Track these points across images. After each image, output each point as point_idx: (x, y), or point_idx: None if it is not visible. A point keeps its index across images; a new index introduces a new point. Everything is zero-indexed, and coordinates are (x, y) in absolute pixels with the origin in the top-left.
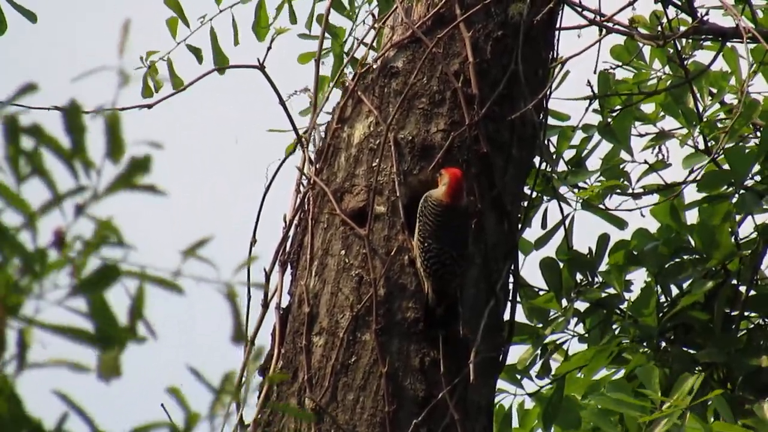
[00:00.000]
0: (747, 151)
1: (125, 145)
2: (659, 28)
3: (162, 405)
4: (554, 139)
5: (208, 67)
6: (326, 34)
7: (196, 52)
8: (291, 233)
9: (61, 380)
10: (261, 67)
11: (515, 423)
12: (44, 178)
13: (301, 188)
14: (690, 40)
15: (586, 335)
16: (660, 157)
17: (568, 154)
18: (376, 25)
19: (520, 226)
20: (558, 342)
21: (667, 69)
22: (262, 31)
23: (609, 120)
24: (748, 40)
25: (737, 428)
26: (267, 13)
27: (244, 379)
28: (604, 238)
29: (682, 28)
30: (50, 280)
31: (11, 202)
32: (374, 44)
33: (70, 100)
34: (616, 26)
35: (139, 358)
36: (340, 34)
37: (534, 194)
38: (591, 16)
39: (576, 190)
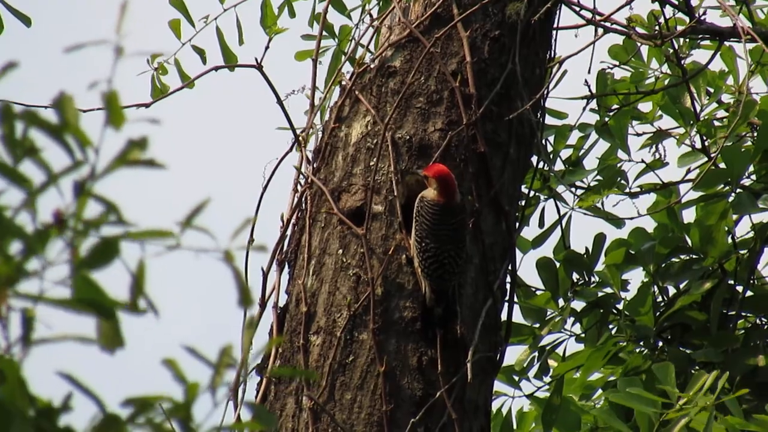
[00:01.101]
0: (743, 150)
1: (124, 115)
2: (657, 28)
3: (160, 405)
4: (551, 138)
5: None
6: (325, 33)
7: (201, 53)
8: (288, 232)
9: (69, 363)
10: (258, 67)
11: (513, 426)
12: (38, 159)
13: (299, 187)
14: (687, 40)
15: (583, 335)
16: (657, 156)
17: (566, 153)
18: (373, 25)
19: (517, 225)
20: (555, 342)
21: (664, 68)
22: (269, 29)
23: (606, 119)
24: (746, 40)
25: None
26: (273, 10)
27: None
28: (600, 238)
29: (680, 28)
30: (51, 260)
31: (13, 178)
32: (372, 44)
33: (60, 91)
34: (614, 26)
35: (144, 341)
36: (344, 32)
37: (531, 193)
38: (588, 15)
39: (574, 191)
